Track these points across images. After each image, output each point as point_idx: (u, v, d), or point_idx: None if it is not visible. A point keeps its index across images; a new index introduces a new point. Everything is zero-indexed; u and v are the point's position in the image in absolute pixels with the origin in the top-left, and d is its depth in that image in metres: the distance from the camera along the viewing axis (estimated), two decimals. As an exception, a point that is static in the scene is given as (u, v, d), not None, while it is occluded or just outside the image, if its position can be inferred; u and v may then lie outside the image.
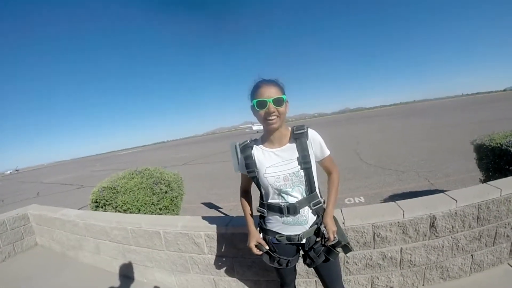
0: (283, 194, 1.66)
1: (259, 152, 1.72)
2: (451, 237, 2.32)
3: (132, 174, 4.62)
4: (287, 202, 1.66)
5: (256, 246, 1.80)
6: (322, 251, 1.70)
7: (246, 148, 1.75)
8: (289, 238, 1.72)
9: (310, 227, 1.71)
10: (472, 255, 2.41)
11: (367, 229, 2.28)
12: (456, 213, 2.26)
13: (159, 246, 3.02)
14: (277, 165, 1.65)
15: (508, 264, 2.51)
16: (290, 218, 1.68)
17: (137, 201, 4.24)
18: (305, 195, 1.67)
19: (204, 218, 2.88)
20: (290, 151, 1.66)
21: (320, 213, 1.74)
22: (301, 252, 1.85)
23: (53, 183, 22.38)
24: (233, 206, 6.95)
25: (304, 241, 1.73)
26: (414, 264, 2.37)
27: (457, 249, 2.37)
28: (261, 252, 1.79)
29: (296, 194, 1.65)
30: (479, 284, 2.38)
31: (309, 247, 1.72)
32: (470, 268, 2.45)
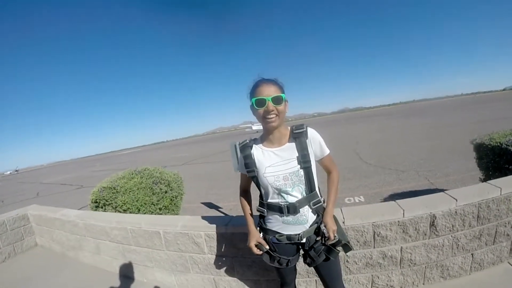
0: (283, 194, 1.65)
1: (258, 152, 1.72)
2: (451, 236, 2.32)
3: (132, 174, 4.62)
4: (287, 202, 1.65)
5: (256, 245, 1.79)
6: (323, 250, 1.69)
7: (245, 148, 1.75)
8: (289, 237, 1.72)
9: (310, 226, 1.71)
10: (472, 254, 2.41)
11: (367, 228, 2.28)
12: (456, 212, 2.26)
13: (159, 246, 3.02)
14: (276, 164, 1.64)
15: (508, 263, 2.51)
16: (290, 218, 1.67)
17: (137, 201, 4.24)
18: (305, 195, 1.66)
19: (204, 217, 2.88)
20: (290, 150, 1.65)
21: (320, 212, 1.74)
22: (301, 252, 1.84)
23: (53, 183, 22.38)
24: (233, 206, 6.95)
25: (304, 240, 1.72)
26: (415, 263, 2.37)
27: (457, 248, 2.36)
28: (261, 252, 1.79)
29: (296, 194, 1.65)
30: (479, 283, 2.38)
31: (309, 247, 1.72)
32: (471, 267, 2.45)
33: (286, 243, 1.75)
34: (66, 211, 4.21)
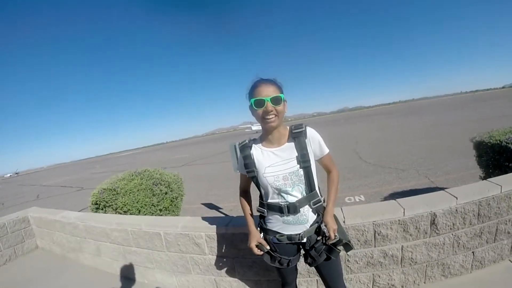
0: (282, 194, 1.65)
1: (258, 152, 1.72)
2: (452, 234, 2.32)
3: (132, 176, 4.62)
4: (287, 202, 1.65)
5: (256, 246, 1.79)
6: (323, 250, 1.69)
7: (245, 148, 1.75)
8: (289, 237, 1.72)
9: (311, 226, 1.71)
10: (473, 252, 2.41)
11: (367, 228, 2.28)
12: (456, 210, 2.26)
13: (159, 247, 3.02)
14: (276, 164, 1.64)
15: (509, 260, 2.50)
16: (290, 218, 1.67)
17: (137, 202, 4.24)
18: (305, 194, 1.66)
19: (204, 218, 2.87)
20: (289, 150, 1.65)
21: (320, 211, 1.73)
22: (302, 252, 1.84)
23: (53, 185, 22.37)
24: (233, 207, 6.94)
25: (305, 240, 1.72)
26: (415, 262, 2.37)
27: (458, 246, 2.36)
28: (262, 252, 1.78)
29: (296, 193, 1.65)
30: (480, 281, 2.38)
31: (310, 246, 1.71)
32: (471, 265, 2.45)
33: (287, 243, 1.75)
34: (67, 213, 4.21)
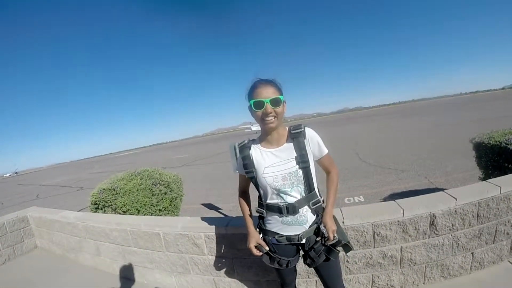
0: (281, 194, 1.65)
1: (257, 152, 1.72)
2: (451, 235, 2.32)
3: (131, 176, 4.61)
4: (286, 202, 1.65)
5: (256, 247, 1.79)
6: (323, 251, 1.69)
7: (244, 148, 1.75)
8: (289, 238, 1.72)
9: (310, 226, 1.71)
10: (472, 253, 2.41)
11: (367, 228, 2.28)
12: (456, 211, 2.26)
13: (159, 247, 3.01)
14: (275, 165, 1.64)
15: (509, 261, 2.51)
16: (289, 218, 1.67)
17: (136, 202, 4.24)
18: (304, 195, 1.66)
19: (203, 219, 2.87)
20: (288, 151, 1.65)
21: (319, 212, 1.73)
22: (301, 252, 1.84)
23: (53, 185, 22.35)
24: (232, 207, 6.95)
25: (304, 241, 1.72)
26: (415, 263, 2.37)
27: (457, 247, 2.36)
28: (261, 253, 1.79)
29: (295, 194, 1.65)
30: (480, 282, 2.38)
31: (309, 247, 1.71)
32: (471, 266, 2.45)
33: (286, 244, 1.75)
34: (66, 213, 4.20)
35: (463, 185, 2.62)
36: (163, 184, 4.62)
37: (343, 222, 2.27)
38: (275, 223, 1.74)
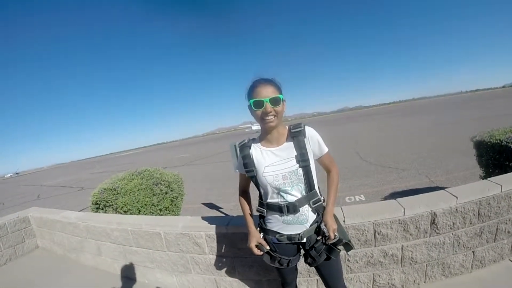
0: (282, 193, 1.65)
1: (257, 152, 1.72)
2: (452, 233, 2.32)
3: (132, 175, 4.62)
4: (286, 201, 1.65)
5: (256, 246, 1.79)
6: (323, 250, 1.68)
7: (244, 148, 1.75)
8: (289, 237, 1.72)
9: (311, 225, 1.71)
10: (473, 252, 2.41)
11: (367, 227, 2.28)
12: (456, 209, 2.26)
13: (160, 247, 3.02)
14: (275, 164, 1.64)
15: (510, 260, 2.50)
16: (290, 217, 1.67)
17: (137, 202, 4.24)
18: (304, 194, 1.66)
19: (204, 218, 2.87)
20: (288, 149, 1.65)
21: (320, 211, 1.73)
22: (302, 251, 1.84)
23: (54, 185, 22.38)
24: (233, 206, 6.95)
25: (304, 240, 1.72)
26: (416, 261, 2.37)
27: (458, 245, 2.36)
28: (261, 252, 1.79)
29: (295, 193, 1.64)
30: (480, 281, 2.38)
31: (310, 246, 1.71)
32: (472, 264, 2.45)
33: (287, 243, 1.75)
34: (67, 213, 4.21)
35: (464, 184, 2.62)
36: (164, 184, 4.62)
37: (344, 221, 2.27)
38: (275, 222, 1.74)
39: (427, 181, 6.79)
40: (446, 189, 2.46)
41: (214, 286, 2.89)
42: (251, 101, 1.56)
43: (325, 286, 1.89)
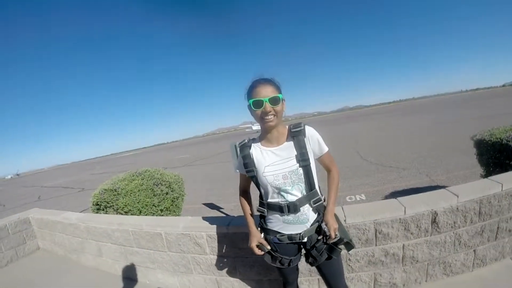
0: (282, 193, 1.65)
1: (257, 151, 1.72)
2: (453, 232, 2.32)
3: (133, 176, 4.62)
4: (287, 201, 1.65)
5: (257, 246, 1.79)
6: (324, 249, 1.69)
7: (244, 148, 1.75)
8: (290, 237, 1.72)
9: (311, 225, 1.71)
10: (474, 250, 2.41)
11: (368, 226, 2.28)
12: (457, 208, 2.26)
13: (161, 247, 3.02)
14: (275, 163, 1.64)
15: (511, 258, 2.50)
16: (290, 217, 1.67)
17: (138, 202, 4.24)
18: (305, 193, 1.66)
19: (205, 218, 2.88)
20: (288, 149, 1.65)
21: (320, 211, 1.73)
22: (303, 251, 1.84)
23: (54, 186, 22.38)
24: (234, 207, 6.94)
25: (305, 239, 1.72)
26: (417, 260, 2.37)
27: (459, 244, 2.36)
28: (262, 252, 1.79)
29: (295, 192, 1.65)
30: (482, 279, 2.38)
31: (311, 246, 1.71)
32: (473, 263, 2.45)
33: (288, 243, 1.75)
34: (68, 214, 4.21)
35: (464, 183, 2.62)
36: (165, 184, 4.62)
37: (345, 221, 2.27)
38: (276, 222, 1.74)
39: (427, 180, 6.78)
40: (447, 188, 2.46)
41: (215, 286, 2.89)
42: (251, 101, 1.56)
43: (326, 285, 1.89)
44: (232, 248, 2.65)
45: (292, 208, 1.64)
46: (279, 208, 1.67)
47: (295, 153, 1.63)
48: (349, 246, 1.74)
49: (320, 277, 2.41)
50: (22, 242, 4.55)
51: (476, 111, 25.80)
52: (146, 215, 4.24)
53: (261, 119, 1.58)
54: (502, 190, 2.30)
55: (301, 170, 1.62)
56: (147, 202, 4.32)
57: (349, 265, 2.42)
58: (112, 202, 4.19)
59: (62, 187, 20.29)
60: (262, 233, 1.84)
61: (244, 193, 1.99)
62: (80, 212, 4.67)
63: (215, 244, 2.70)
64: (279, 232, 1.74)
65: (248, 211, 1.93)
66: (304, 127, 1.66)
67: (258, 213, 1.85)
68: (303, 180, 1.64)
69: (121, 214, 4.13)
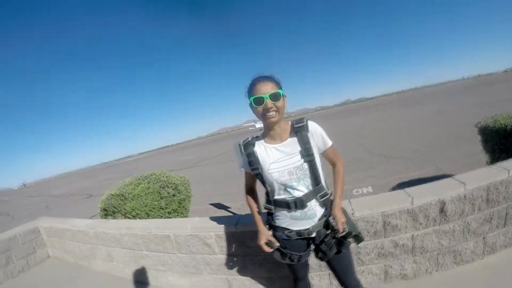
0: (289, 189, 1.65)
1: (261, 149, 1.73)
2: (462, 221, 2.31)
3: (139, 180, 4.63)
4: (293, 197, 1.65)
5: (266, 243, 1.80)
6: (334, 243, 1.69)
7: (248, 146, 1.76)
8: (298, 233, 1.72)
9: (319, 220, 1.71)
10: (484, 238, 2.40)
11: (377, 218, 2.28)
12: (465, 196, 2.25)
13: (170, 249, 3.04)
14: (280, 160, 1.65)
15: (521, 244, 2.50)
16: (298, 213, 1.67)
17: (145, 206, 4.26)
18: (311, 188, 1.66)
19: (212, 218, 2.89)
20: (292, 145, 1.66)
21: (328, 205, 1.73)
22: (312, 246, 1.84)
23: (61, 194, 22.51)
24: (241, 205, 6.94)
25: (314, 234, 1.72)
26: (426, 250, 2.37)
27: (468, 232, 2.35)
28: (271, 250, 1.79)
29: (302, 188, 1.65)
30: (492, 267, 2.37)
31: (320, 241, 1.72)
32: (483, 251, 2.44)
33: (296, 239, 1.76)
34: (76, 221, 4.25)
35: (471, 170, 2.60)
36: (171, 187, 4.64)
37: (352, 214, 2.27)
38: (284, 219, 1.74)
39: (433, 170, 6.74)
40: (453, 177, 2.46)
41: (226, 285, 2.90)
42: (251, 98, 1.57)
43: (337, 279, 1.89)
44: (241, 247, 2.66)
45: (299, 204, 1.64)
46: (286, 205, 1.67)
47: (299, 148, 1.63)
48: (358, 239, 1.73)
49: (330, 272, 2.42)
50: (32, 251, 4.59)
51: (479, 98, 25.56)
52: (154, 218, 4.26)
53: (263, 116, 1.59)
54: (509, 176, 2.29)
55: (306, 166, 1.62)
56: (155, 205, 4.34)
57: (359, 258, 2.42)
58: (119, 207, 4.21)
59: (70, 195, 20.41)
60: (271, 231, 1.84)
61: (251, 191, 1.99)
62: (89, 218, 4.70)
63: (224, 244, 2.71)
64: (287, 229, 1.75)
65: (255, 209, 1.93)
66: (307, 122, 1.66)
67: (266, 211, 1.85)
68: (309, 175, 1.64)
69: (129, 218, 4.15)
